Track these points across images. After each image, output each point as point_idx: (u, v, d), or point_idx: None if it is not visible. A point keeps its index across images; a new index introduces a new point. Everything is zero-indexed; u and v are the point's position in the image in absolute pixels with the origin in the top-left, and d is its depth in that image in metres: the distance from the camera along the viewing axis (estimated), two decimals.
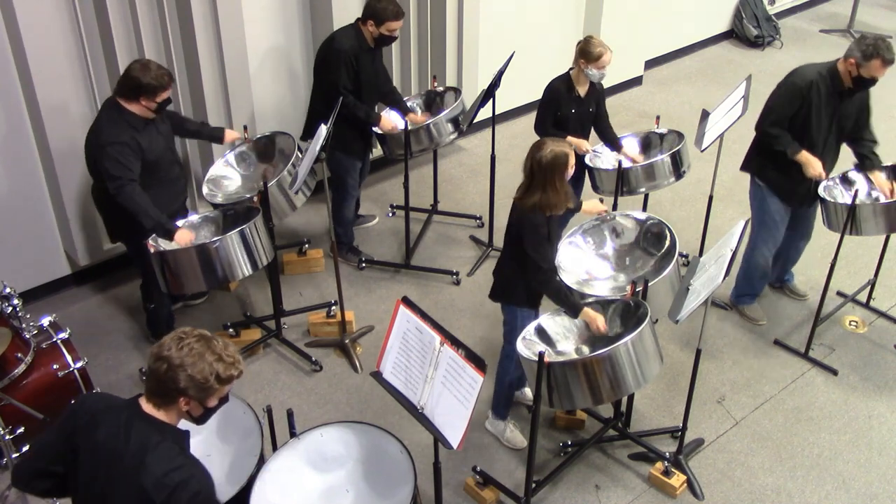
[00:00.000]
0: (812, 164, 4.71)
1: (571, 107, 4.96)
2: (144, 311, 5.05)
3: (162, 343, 2.53)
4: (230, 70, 5.36)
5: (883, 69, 4.53)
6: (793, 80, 4.70)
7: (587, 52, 4.83)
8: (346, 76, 5.07)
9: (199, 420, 2.63)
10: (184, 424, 2.64)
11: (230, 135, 4.93)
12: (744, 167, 5.08)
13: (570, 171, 3.89)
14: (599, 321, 3.92)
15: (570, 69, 4.99)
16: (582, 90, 4.98)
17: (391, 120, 5.43)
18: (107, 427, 2.57)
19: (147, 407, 2.56)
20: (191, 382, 2.49)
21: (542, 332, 4.00)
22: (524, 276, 3.99)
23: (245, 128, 5.17)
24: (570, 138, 4.94)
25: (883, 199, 4.83)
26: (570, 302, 3.96)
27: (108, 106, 4.35)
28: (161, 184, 4.48)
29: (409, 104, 5.79)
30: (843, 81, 4.63)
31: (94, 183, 4.52)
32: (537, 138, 5.03)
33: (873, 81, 4.61)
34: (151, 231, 4.34)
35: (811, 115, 4.67)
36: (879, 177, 4.84)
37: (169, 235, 4.38)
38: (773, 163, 4.83)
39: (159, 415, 2.55)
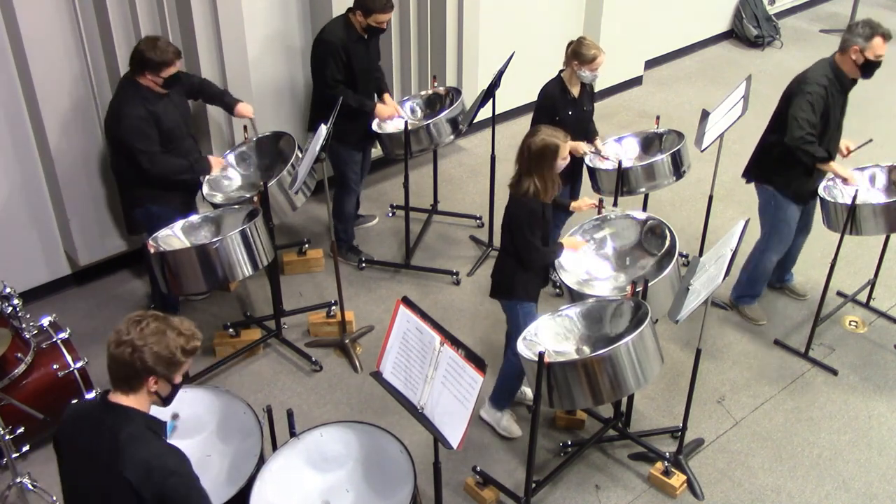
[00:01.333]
0: (849, 175, 4.76)
1: (568, 109, 4.92)
2: (148, 308, 5.04)
3: (119, 330, 2.53)
4: (230, 69, 5.35)
5: (884, 46, 4.59)
6: (812, 89, 4.63)
7: (581, 55, 4.77)
8: (335, 67, 5.10)
9: (167, 399, 2.65)
10: (154, 410, 2.66)
11: (243, 108, 4.98)
12: (753, 179, 5.06)
13: (562, 162, 3.96)
14: (577, 240, 4.33)
15: (561, 71, 4.94)
16: (575, 91, 4.94)
17: (387, 109, 5.42)
18: (80, 428, 2.60)
19: (115, 397, 2.57)
20: (158, 359, 2.52)
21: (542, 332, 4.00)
22: (524, 269, 4.06)
23: (245, 128, 5.17)
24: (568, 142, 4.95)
25: (883, 199, 4.84)
26: (559, 253, 4.20)
27: (123, 84, 4.54)
28: (173, 155, 4.63)
29: (409, 105, 5.80)
30: (849, 74, 4.67)
31: (114, 157, 4.73)
32: None
33: (879, 63, 4.65)
34: (193, 175, 4.71)
35: (827, 119, 4.69)
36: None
37: (207, 170, 4.80)
38: (786, 168, 4.81)
39: (129, 402, 2.56)
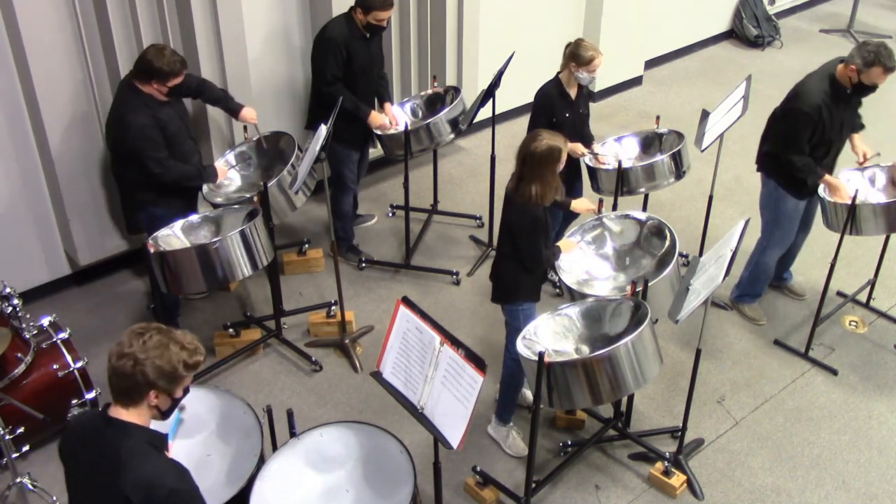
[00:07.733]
0: (839, 189, 4.73)
1: (565, 111, 4.91)
2: (147, 308, 5.03)
3: (121, 341, 2.51)
4: (230, 69, 5.35)
5: (884, 77, 4.54)
6: (800, 107, 4.62)
7: (579, 56, 4.76)
8: (334, 64, 5.10)
9: (167, 413, 2.61)
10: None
11: (247, 113, 4.99)
12: (760, 169, 5.06)
13: (561, 165, 3.96)
14: (571, 242, 4.38)
15: (559, 73, 4.92)
16: (573, 93, 4.94)
17: (381, 118, 5.40)
18: (82, 442, 2.58)
19: (115, 411, 2.54)
20: (160, 373, 2.49)
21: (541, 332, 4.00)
22: (526, 272, 4.05)
23: (245, 128, 5.17)
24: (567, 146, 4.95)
25: (883, 199, 4.84)
26: (557, 256, 4.22)
27: (124, 89, 4.52)
28: (176, 159, 4.63)
29: (410, 105, 5.80)
30: (845, 86, 4.63)
31: (116, 162, 4.71)
32: None
33: (874, 88, 4.61)
34: (200, 181, 4.79)
35: (825, 132, 4.67)
36: (854, 139, 4.93)
37: (213, 177, 4.86)
38: (783, 165, 4.81)
39: (129, 417, 2.53)
